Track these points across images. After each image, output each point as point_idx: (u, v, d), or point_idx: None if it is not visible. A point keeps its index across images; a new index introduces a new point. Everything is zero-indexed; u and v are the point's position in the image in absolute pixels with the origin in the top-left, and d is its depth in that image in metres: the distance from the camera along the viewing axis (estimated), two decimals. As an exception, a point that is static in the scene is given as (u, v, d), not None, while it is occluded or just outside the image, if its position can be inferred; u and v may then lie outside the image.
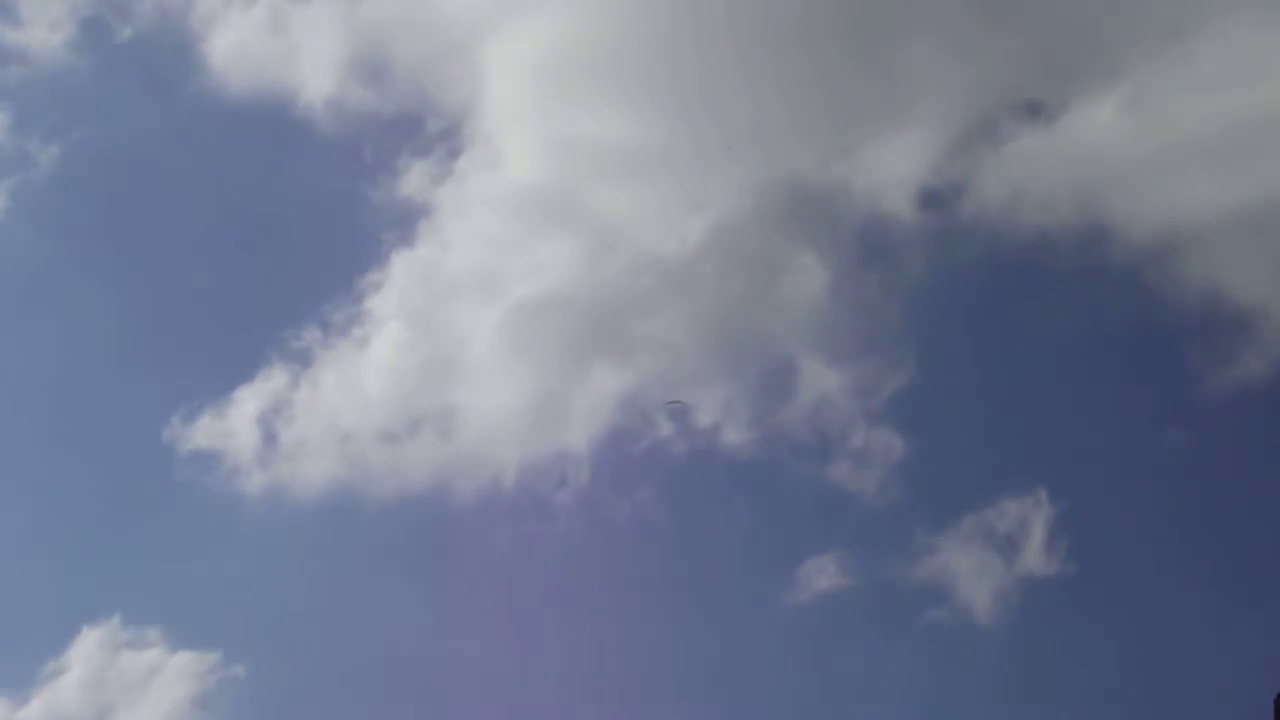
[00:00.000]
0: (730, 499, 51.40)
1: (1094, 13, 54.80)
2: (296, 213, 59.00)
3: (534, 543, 50.03)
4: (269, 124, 59.77)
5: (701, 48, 55.78)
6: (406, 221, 57.63)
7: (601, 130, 56.16)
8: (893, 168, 54.73)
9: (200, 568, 49.95)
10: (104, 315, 56.74)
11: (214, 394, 53.20)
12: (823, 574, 47.94)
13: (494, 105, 58.79)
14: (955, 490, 49.99)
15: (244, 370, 54.01)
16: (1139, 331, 51.82)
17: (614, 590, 48.92)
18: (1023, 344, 52.98)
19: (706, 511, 51.29)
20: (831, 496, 49.79)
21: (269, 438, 52.10)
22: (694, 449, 51.06)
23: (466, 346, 54.47)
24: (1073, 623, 46.14)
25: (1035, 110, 55.45)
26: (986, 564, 47.28)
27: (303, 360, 54.08)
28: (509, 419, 52.03)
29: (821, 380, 51.89)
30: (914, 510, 49.20)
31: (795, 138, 56.18)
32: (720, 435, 51.17)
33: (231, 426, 52.65)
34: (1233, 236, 48.71)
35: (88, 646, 47.59)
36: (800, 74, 55.88)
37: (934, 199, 54.79)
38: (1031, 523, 47.33)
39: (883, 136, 55.37)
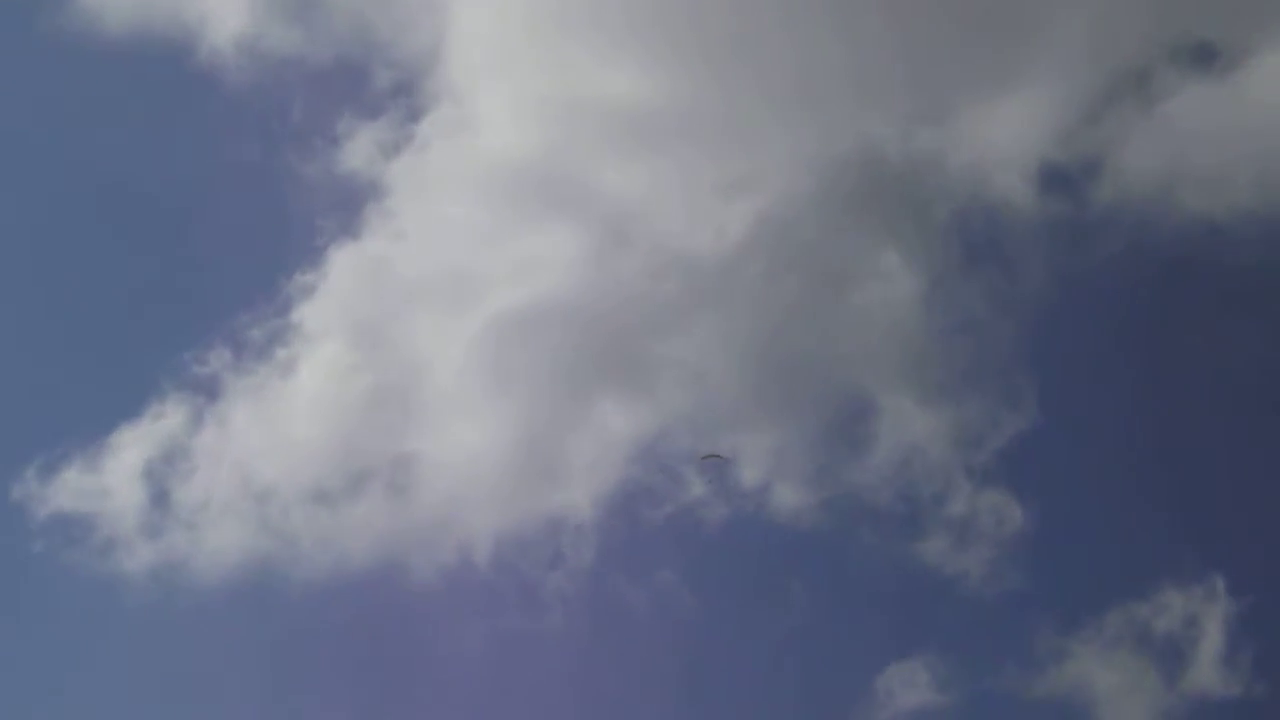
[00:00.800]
0: (785, 584, 44.76)
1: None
2: (198, 194, 51.46)
3: (518, 641, 43.89)
4: (159, 75, 52.43)
5: (744, -24, 48.82)
6: (348, 205, 50.79)
7: (611, 87, 49.33)
8: (1005, 136, 47.90)
9: (62, 674, 43.72)
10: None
11: (84, 437, 46.34)
12: (911, 686, 41.99)
13: (467, 51, 51.26)
14: (1095, 575, 43.58)
15: (126, 405, 47.13)
16: (1351, 358, 43.93)
17: (625, 706, 43.03)
18: (1186, 375, 45.80)
19: (753, 601, 44.76)
20: (923, 582, 43.63)
21: (159, 497, 45.68)
22: (736, 516, 45.08)
23: (429, 374, 47.63)
24: (1260, 762, 39.01)
25: (1204, 56, 47.84)
26: (1139, 677, 41.20)
27: (207, 391, 47.76)
28: (485, 473, 45.51)
29: (909, 424, 45.55)
30: (1037, 602, 43.07)
31: (871, 96, 48.95)
32: (771, 498, 44.97)
33: (108, 482, 45.97)
34: None
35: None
36: (877, 10, 48.75)
37: (1062, 178, 48.07)
38: (1203, 622, 41.24)
39: (992, 93, 48.26)
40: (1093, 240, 47.39)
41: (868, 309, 47.73)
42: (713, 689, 43.31)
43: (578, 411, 46.74)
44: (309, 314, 48.95)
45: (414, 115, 51.50)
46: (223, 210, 51.38)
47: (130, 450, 46.19)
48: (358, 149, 51.26)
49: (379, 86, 52.34)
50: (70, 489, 45.71)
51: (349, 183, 51.34)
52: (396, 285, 49.98)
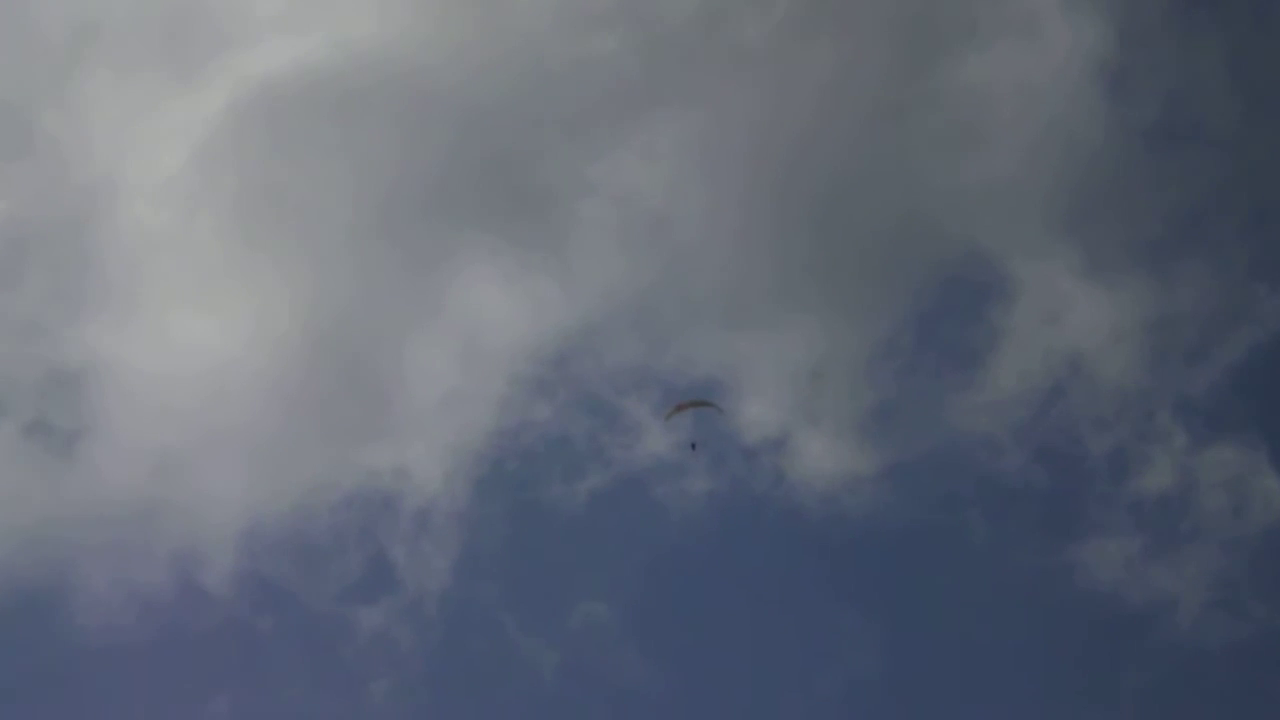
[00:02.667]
0: (823, 622, 30.40)
1: None
2: None
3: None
4: None
5: None
6: None
7: None
8: None
9: None
10: None
11: None
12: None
13: None
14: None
15: None
16: None
17: None
18: None
19: (757, 651, 30.02)
20: (1087, 614, 29.76)
21: None
22: (731, 493, 31.38)
23: (115, 201, 32.46)
24: None
25: None
26: None
27: None
28: (227, 408, 31.28)
29: (1066, 315, 31.18)
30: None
31: None
32: (798, 460, 30.74)
33: None
34: None
35: None
36: None
37: None
38: None
39: None
40: None
41: (992, 91, 33.08)
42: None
43: (420, 283, 32.79)
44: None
45: None
46: None
47: None
48: None
49: None
50: None
51: None
52: (50, 17, 34.35)
